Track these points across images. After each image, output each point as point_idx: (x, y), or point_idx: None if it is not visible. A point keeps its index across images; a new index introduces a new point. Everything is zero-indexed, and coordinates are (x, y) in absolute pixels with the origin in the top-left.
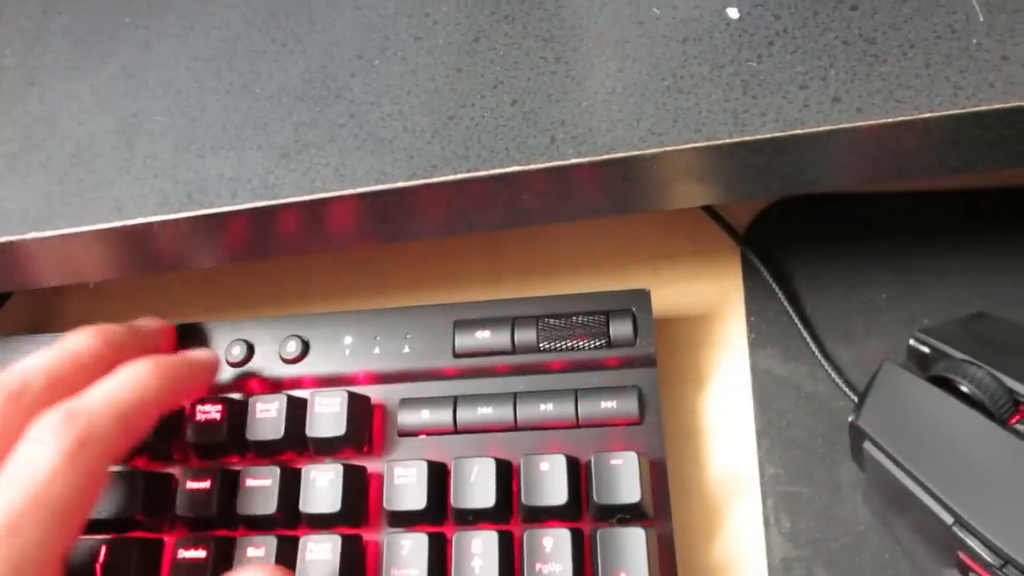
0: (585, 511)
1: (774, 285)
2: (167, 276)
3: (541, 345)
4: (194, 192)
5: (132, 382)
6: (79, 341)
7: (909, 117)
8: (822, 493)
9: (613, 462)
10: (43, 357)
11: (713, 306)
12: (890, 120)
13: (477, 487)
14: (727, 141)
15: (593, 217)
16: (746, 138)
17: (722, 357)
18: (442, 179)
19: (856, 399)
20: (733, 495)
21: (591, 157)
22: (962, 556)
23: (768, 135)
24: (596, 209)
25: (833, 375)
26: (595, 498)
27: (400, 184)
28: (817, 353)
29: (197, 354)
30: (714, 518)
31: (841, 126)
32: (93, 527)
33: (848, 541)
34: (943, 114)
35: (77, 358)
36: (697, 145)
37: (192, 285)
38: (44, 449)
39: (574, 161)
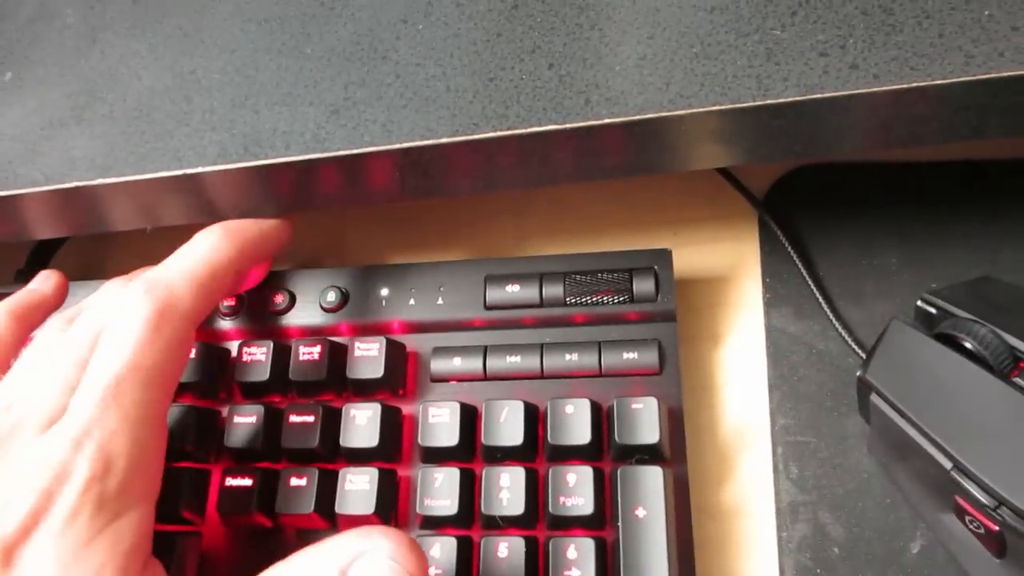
0: (606, 452)
1: (789, 248)
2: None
3: (567, 299)
4: (250, 144)
5: (206, 248)
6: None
7: (923, 84)
8: (829, 443)
9: (634, 406)
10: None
11: (731, 268)
12: (905, 86)
13: (506, 427)
14: (751, 104)
15: (622, 176)
16: (769, 101)
17: (738, 315)
18: (483, 136)
19: (864, 356)
20: (745, 444)
21: (623, 118)
22: (959, 500)
23: (789, 99)
24: (625, 169)
25: (843, 333)
26: (616, 438)
27: (444, 140)
28: (828, 313)
29: (267, 220)
30: (726, 464)
31: (858, 91)
32: None
33: (852, 487)
34: (955, 81)
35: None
36: (723, 108)
37: None
38: (131, 322)
39: (607, 121)
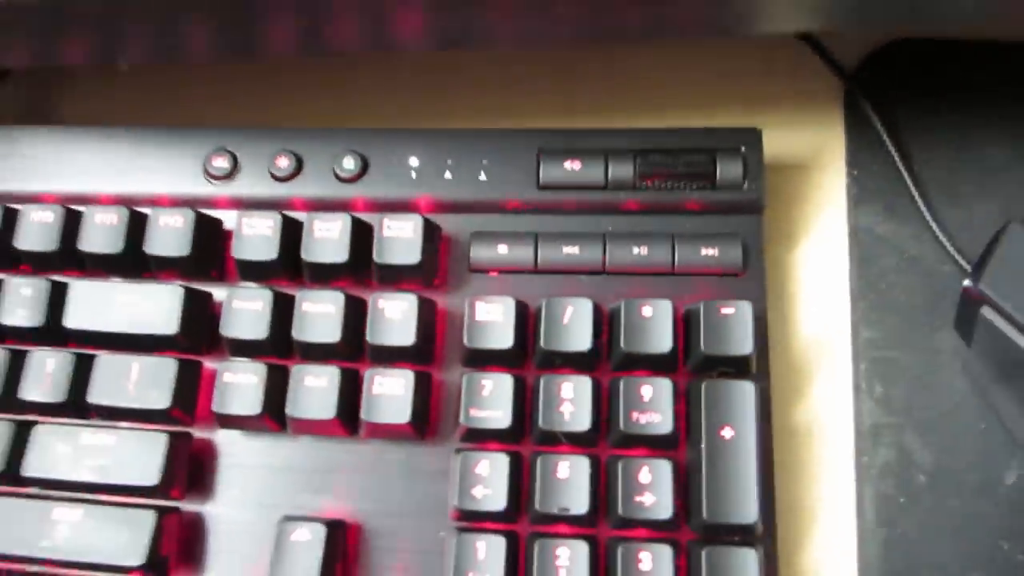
0: (681, 362)
1: (883, 135)
2: (205, 72)
3: (637, 182)
4: None
5: None
6: None
7: None
8: (918, 360)
9: (724, 311)
10: None
11: (812, 156)
12: None
13: (571, 329)
14: None
15: (694, 36)
16: None
17: (819, 212)
18: None
19: (965, 264)
20: (823, 357)
21: None
22: None
23: None
24: (698, 26)
25: (942, 237)
26: (702, 347)
27: None
28: (924, 212)
29: None
30: (802, 379)
31: None
32: (123, 342)
33: (943, 410)
34: None
35: None
36: None
37: (232, 83)
38: None
39: None
